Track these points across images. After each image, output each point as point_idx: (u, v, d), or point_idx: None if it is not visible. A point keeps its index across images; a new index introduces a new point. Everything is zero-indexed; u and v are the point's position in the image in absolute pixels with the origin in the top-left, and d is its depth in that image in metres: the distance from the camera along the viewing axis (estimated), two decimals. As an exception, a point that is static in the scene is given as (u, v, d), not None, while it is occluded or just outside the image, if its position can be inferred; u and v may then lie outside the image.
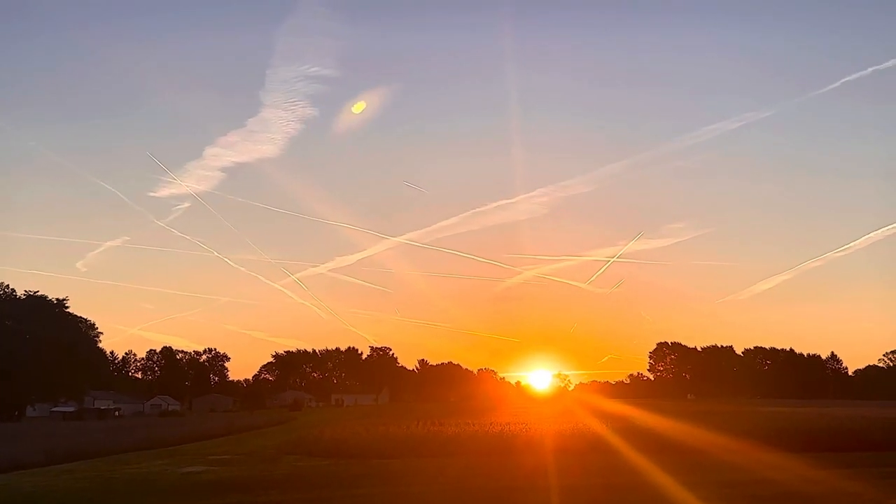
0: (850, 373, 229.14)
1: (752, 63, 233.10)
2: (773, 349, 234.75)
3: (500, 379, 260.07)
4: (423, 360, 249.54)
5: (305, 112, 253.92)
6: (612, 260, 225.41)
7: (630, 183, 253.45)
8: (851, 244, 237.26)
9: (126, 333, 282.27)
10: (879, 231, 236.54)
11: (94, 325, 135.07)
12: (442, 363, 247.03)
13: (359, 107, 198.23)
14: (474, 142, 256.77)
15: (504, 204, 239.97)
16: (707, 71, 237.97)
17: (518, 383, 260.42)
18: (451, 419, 49.92)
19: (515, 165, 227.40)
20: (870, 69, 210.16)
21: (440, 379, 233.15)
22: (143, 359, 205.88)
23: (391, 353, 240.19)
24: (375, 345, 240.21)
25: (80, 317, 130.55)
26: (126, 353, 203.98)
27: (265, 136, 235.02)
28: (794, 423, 40.24)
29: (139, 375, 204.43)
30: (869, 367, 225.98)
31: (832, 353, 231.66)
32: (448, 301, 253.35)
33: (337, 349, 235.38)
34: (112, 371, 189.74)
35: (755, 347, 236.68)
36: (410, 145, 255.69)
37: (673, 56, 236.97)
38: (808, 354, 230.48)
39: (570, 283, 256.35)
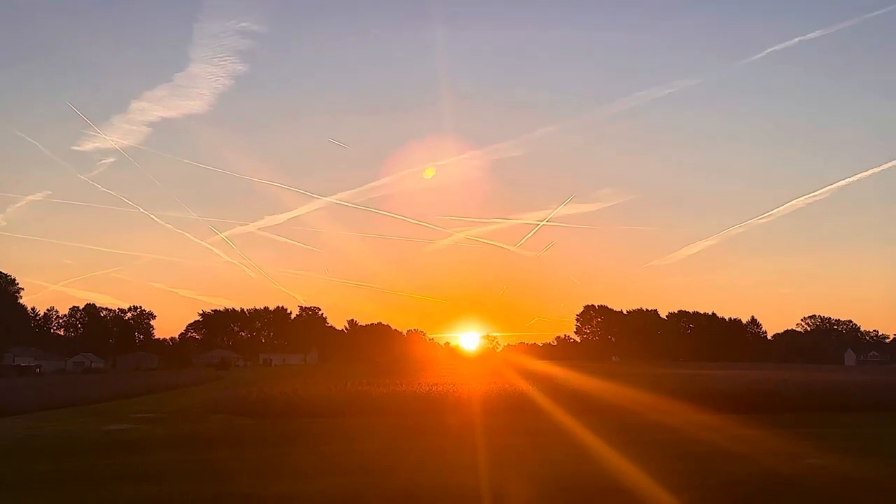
0: (769, 336, 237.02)
1: (680, 32, 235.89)
2: (696, 313, 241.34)
3: (430, 340, 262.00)
4: (352, 320, 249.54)
5: (235, 68, 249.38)
6: (542, 223, 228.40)
7: (560, 148, 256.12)
8: (773, 211, 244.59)
9: (48, 290, 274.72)
10: (801, 199, 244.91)
11: (13, 280, 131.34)
12: (371, 324, 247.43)
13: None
14: (406, 103, 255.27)
15: (435, 166, 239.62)
16: (636, 39, 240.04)
17: (447, 344, 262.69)
18: (380, 379, 50.16)
19: (447, 128, 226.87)
20: (796, 39, 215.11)
21: (369, 339, 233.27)
22: (65, 316, 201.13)
23: (320, 313, 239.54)
24: (304, 304, 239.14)
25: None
26: (48, 310, 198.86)
27: (193, 92, 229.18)
28: (716, 385, 41.58)
29: (61, 333, 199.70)
30: (787, 331, 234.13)
31: (752, 317, 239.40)
32: (378, 262, 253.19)
33: (265, 308, 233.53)
34: (33, 328, 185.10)
35: (679, 311, 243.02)
36: (343, 105, 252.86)
37: (602, 23, 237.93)
38: (730, 318, 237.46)
39: (500, 245, 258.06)
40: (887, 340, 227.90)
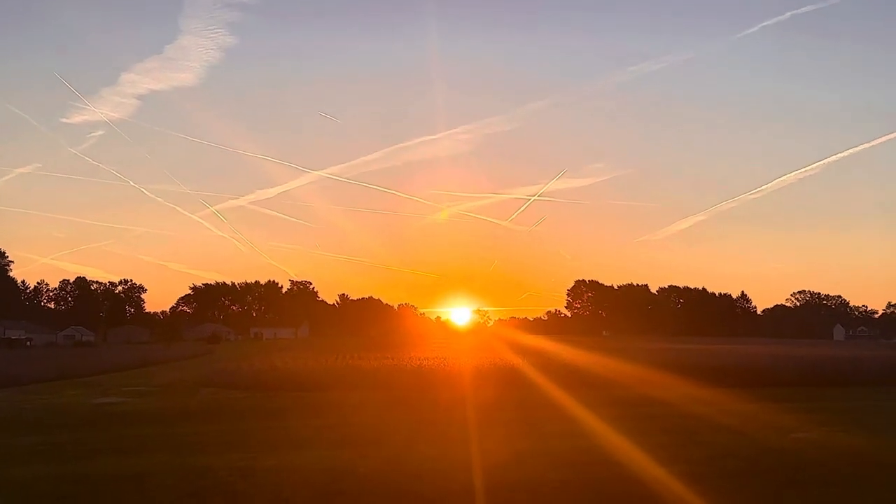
0: (759, 312, 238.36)
1: (672, 7, 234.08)
2: (686, 288, 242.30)
3: (421, 314, 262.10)
4: (343, 294, 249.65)
5: (225, 40, 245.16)
6: (533, 198, 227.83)
7: (552, 122, 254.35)
8: (764, 187, 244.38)
9: (38, 263, 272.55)
10: (791, 174, 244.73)
11: (3, 253, 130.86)
12: (362, 298, 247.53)
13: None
14: (398, 77, 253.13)
15: (427, 140, 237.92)
16: (628, 14, 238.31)
17: (438, 319, 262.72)
18: (370, 354, 50.25)
19: (438, 102, 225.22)
20: (788, 14, 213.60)
21: (360, 314, 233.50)
22: (55, 289, 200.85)
23: (311, 287, 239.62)
24: (296, 279, 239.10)
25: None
26: (38, 283, 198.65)
27: (184, 64, 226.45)
28: (707, 360, 41.80)
29: (52, 306, 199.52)
30: (777, 306, 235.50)
31: (742, 292, 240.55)
32: (369, 236, 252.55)
33: (256, 282, 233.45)
34: (23, 301, 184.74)
35: (669, 286, 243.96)
36: (334, 79, 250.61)
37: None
38: (720, 293, 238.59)
39: (491, 220, 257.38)
40: (876, 315, 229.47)
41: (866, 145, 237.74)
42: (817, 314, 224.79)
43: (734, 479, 11.83)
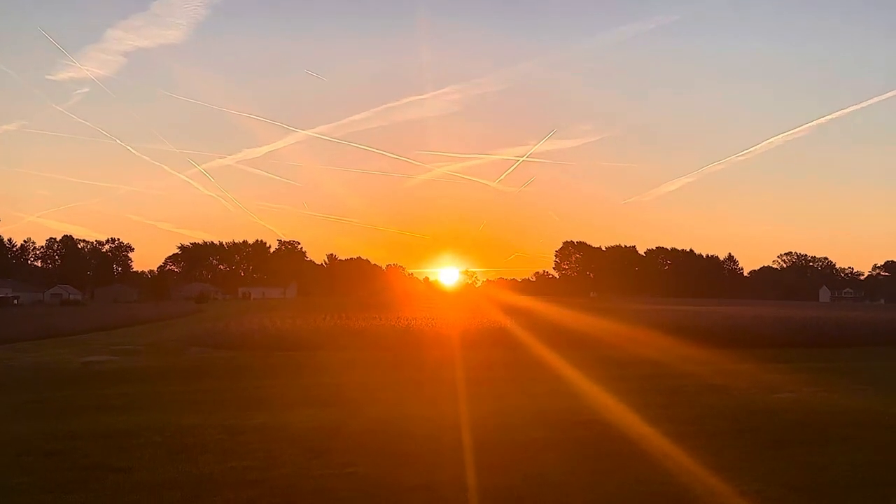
0: (745, 273, 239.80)
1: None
2: (673, 249, 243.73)
3: (409, 275, 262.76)
4: (331, 254, 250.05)
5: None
6: (522, 159, 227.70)
7: (540, 83, 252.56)
8: (752, 149, 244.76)
9: (24, 221, 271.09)
10: (780, 136, 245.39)
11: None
12: (351, 258, 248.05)
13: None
14: (385, 36, 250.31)
15: (415, 100, 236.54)
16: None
17: (426, 279, 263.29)
18: (359, 314, 50.35)
19: (426, 62, 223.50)
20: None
21: (349, 274, 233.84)
22: (42, 247, 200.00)
23: (300, 247, 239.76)
24: (284, 239, 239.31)
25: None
26: (25, 241, 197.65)
27: (170, 21, 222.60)
28: (694, 320, 42.10)
29: (38, 264, 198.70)
30: (763, 268, 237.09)
31: (729, 254, 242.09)
32: (357, 197, 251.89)
33: (245, 242, 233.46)
34: (10, 259, 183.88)
35: (657, 248, 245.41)
36: (322, 38, 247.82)
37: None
38: (707, 255, 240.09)
39: (480, 181, 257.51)
40: (861, 277, 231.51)
41: (855, 107, 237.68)
42: (803, 276, 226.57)
43: (720, 437, 11.92)
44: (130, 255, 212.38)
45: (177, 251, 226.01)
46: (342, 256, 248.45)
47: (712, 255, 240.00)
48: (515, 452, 10.73)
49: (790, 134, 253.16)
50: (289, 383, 20.53)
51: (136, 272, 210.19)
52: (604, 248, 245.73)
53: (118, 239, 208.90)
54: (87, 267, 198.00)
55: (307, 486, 8.83)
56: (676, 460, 10.22)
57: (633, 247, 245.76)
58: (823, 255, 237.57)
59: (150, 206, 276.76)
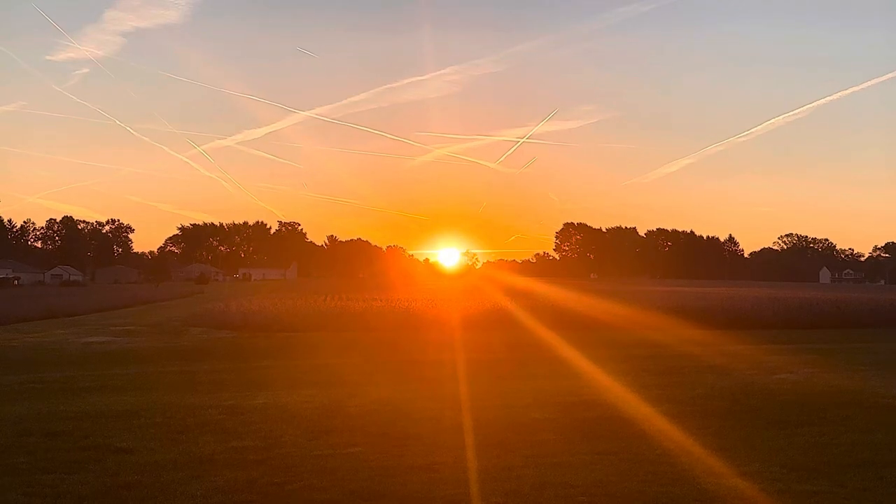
0: (745, 255, 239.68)
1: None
2: (674, 231, 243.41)
3: (409, 256, 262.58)
4: (331, 235, 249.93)
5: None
6: (522, 140, 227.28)
7: (541, 64, 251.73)
8: (753, 130, 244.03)
9: (24, 202, 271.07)
10: (780, 117, 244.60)
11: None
12: (351, 239, 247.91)
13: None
14: (386, 17, 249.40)
15: (415, 81, 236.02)
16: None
17: (426, 261, 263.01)
18: (359, 295, 50.37)
19: (427, 43, 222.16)
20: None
21: (349, 255, 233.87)
22: (42, 228, 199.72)
23: (300, 228, 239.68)
24: (284, 220, 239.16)
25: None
26: (25, 222, 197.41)
27: (169, 1, 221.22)
28: (695, 301, 42.14)
29: (39, 245, 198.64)
30: (764, 249, 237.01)
31: (730, 235, 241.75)
32: (358, 178, 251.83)
33: (245, 223, 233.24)
34: (10, 240, 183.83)
35: (657, 229, 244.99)
36: (322, 19, 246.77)
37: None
38: (708, 236, 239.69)
39: (480, 162, 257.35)
40: (862, 259, 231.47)
41: (855, 88, 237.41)
42: (804, 257, 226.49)
43: (719, 418, 11.93)
44: (130, 236, 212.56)
45: (177, 232, 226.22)
46: (342, 237, 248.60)
47: (713, 237, 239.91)
48: (516, 433, 10.75)
49: (791, 115, 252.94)
50: (289, 364, 20.57)
51: (136, 253, 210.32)
52: (604, 230, 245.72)
53: (118, 220, 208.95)
54: (87, 248, 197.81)
55: (308, 466, 8.85)
56: (676, 440, 10.23)
57: (634, 228, 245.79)
58: (824, 237, 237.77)
59: (150, 187, 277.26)
